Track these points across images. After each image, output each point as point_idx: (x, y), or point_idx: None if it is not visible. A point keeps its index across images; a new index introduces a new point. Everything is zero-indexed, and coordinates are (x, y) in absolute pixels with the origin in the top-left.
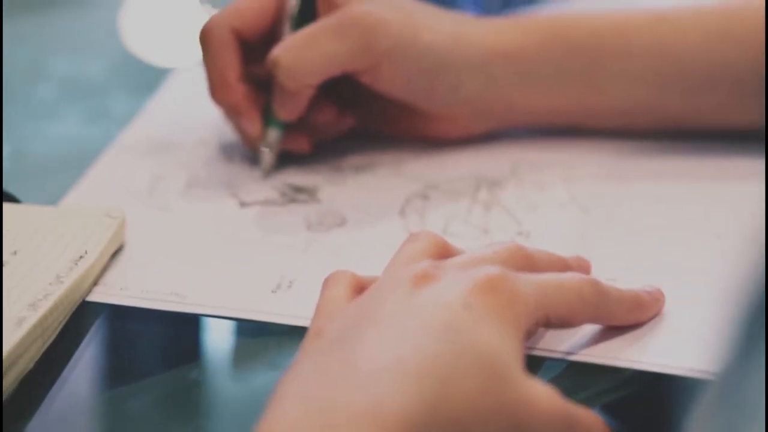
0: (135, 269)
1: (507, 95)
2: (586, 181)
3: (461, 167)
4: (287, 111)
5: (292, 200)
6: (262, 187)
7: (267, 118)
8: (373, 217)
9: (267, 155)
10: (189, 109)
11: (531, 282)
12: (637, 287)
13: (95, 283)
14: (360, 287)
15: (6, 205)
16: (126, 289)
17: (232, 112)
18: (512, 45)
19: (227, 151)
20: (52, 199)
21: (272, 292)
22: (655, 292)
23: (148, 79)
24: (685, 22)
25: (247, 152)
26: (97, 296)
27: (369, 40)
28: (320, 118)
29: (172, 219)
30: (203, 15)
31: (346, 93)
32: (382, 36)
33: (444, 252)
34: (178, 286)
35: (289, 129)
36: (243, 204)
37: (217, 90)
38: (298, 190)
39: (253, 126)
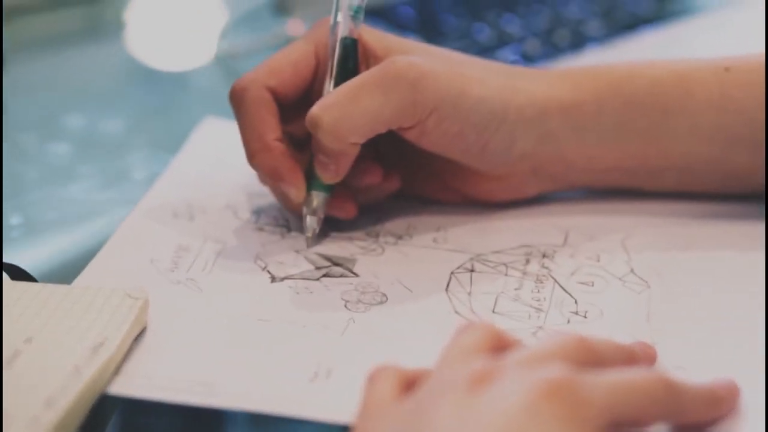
0: (159, 355)
1: (563, 152)
2: (645, 251)
3: (508, 235)
4: (331, 173)
5: (327, 274)
6: (294, 259)
7: (310, 181)
8: (416, 294)
9: (312, 221)
10: (214, 169)
11: (599, 385)
12: (709, 380)
13: (116, 371)
14: (408, 383)
15: (19, 284)
16: (150, 378)
17: (272, 176)
18: (568, 98)
19: (256, 217)
20: (68, 273)
21: (309, 381)
22: (730, 385)
23: (169, 134)
24: (751, 71)
25: (277, 218)
26: (118, 387)
27: (415, 95)
28: (365, 180)
29: (198, 297)
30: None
31: (385, 153)
32: (429, 90)
33: (500, 344)
34: (206, 374)
35: (333, 193)
36: (274, 279)
37: (255, 153)
38: (333, 261)
39: (297, 191)
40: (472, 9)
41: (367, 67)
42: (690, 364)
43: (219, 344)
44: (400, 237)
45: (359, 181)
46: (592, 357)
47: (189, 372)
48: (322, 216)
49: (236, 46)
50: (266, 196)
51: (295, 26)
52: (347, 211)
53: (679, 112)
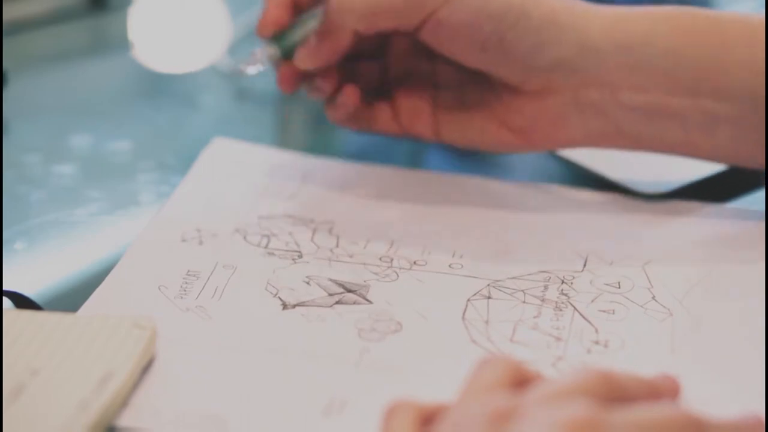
0: (168, 387)
1: (606, 73)
2: (667, 277)
3: (526, 260)
4: (311, 54)
5: (340, 301)
6: (305, 285)
7: (283, 33)
8: (431, 323)
9: (262, 55)
10: (223, 191)
11: (623, 424)
12: (735, 416)
13: (123, 403)
14: (426, 419)
15: (24, 313)
16: (158, 411)
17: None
18: (613, 16)
19: (267, 241)
20: (74, 300)
21: (323, 415)
22: (756, 422)
23: (177, 154)
24: None
25: (288, 243)
26: (125, 420)
27: None
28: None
29: (207, 325)
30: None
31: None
32: None
33: (520, 379)
34: (216, 407)
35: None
36: (286, 306)
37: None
38: (346, 288)
39: (274, 16)
40: None
41: None
42: (716, 397)
43: (229, 376)
44: (414, 262)
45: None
46: (615, 392)
47: (199, 405)
48: (261, 67)
49: (244, 62)
50: (276, 219)
51: None
52: (287, 82)
53: (738, 45)
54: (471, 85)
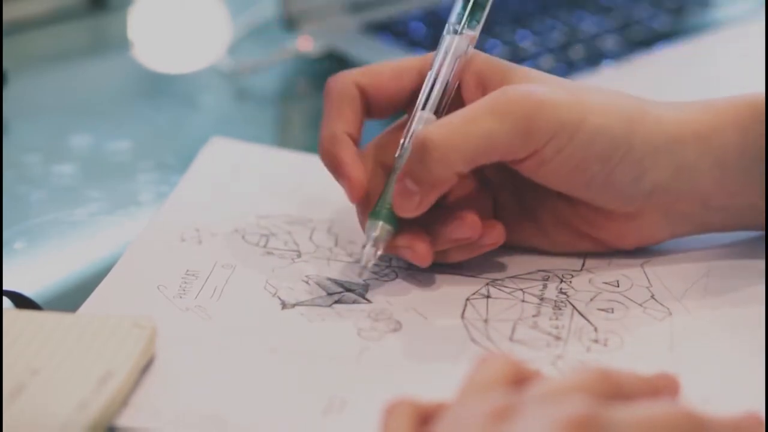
0: (167, 387)
1: (701, 188)
2: (666, 276)
3: (524, 260)
4: (412, 205)
5: (339, 300)
6: (304, 284)
7: (380, 209)
8: (431, 322)
9: (369, 252)
10: (221, 191)
11: (622, 421)
12: (734, 414)
13: (123, 403)
14: (424, 417)
15: (23, 313)
16: (158, 411)
17: (331, 166)
18: (703, 125)
19: (266, 240)
20: (73, 300)
21: (323, 414)
22: (755, 421)
23: (176, 154)
24: None
25: (287, 242)
26: (125, 420)
27: (530, 123)
28: (463, 232)
29: (207, 325)
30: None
31: (505, 206)
32: (545, 118)
33: (519, 377)
34: (216, 407)
35: (398, 229)
36: (285, 305)
37: (321, 141)
38: (345, 287)
39: (352, 185)
40: (485, 25)
41: (483, 95)
42: (715, 396)
43: (229, 376)
44: None
45: (452, 233)
46: (614, 390)
47: (198, 405)
48: (380, 251)
49: (244, 63)
50: (275, 219)
51: (304, 42)
52: (420, 252)
53: None
54: (531, 194)
